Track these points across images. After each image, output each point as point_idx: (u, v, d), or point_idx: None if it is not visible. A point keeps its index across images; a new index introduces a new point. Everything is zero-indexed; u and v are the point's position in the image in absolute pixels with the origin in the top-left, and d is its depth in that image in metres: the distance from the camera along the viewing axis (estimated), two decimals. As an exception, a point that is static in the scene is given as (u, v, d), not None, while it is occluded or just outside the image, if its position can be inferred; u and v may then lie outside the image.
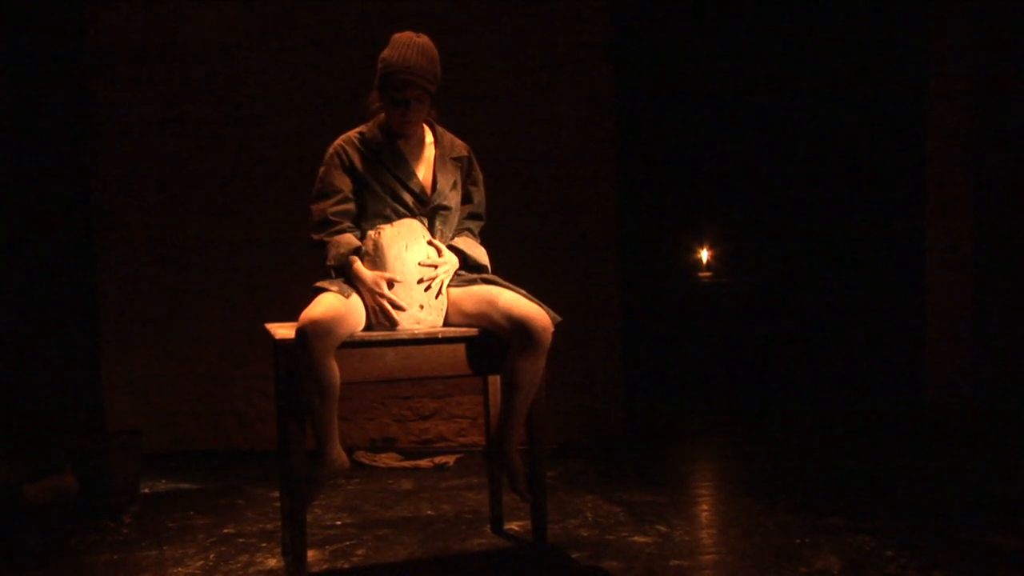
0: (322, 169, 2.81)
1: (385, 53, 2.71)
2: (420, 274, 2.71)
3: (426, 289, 2.70)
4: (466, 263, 2.84)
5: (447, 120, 3.00)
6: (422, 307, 2.72)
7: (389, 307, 2.64)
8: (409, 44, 2.68)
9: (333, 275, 2.72)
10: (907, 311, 5.25)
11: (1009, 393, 4.46)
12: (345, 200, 2.76)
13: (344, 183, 2.76)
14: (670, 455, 4.24)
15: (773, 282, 6.35)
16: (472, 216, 2.96)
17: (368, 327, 2.69)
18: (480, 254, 2.87)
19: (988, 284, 4.50)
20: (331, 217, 2.74)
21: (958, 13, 4.54)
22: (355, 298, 2.64)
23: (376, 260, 2.69)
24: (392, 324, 2.65)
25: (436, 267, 2.73)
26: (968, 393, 4.53)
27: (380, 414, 4.44)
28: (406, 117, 2.72)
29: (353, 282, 2.69)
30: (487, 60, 4.35)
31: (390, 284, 2.65)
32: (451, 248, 2.83)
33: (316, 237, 2.76)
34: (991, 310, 4.50)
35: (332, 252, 2.70)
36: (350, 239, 2.72)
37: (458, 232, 2.91)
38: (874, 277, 5.99)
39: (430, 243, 2.75)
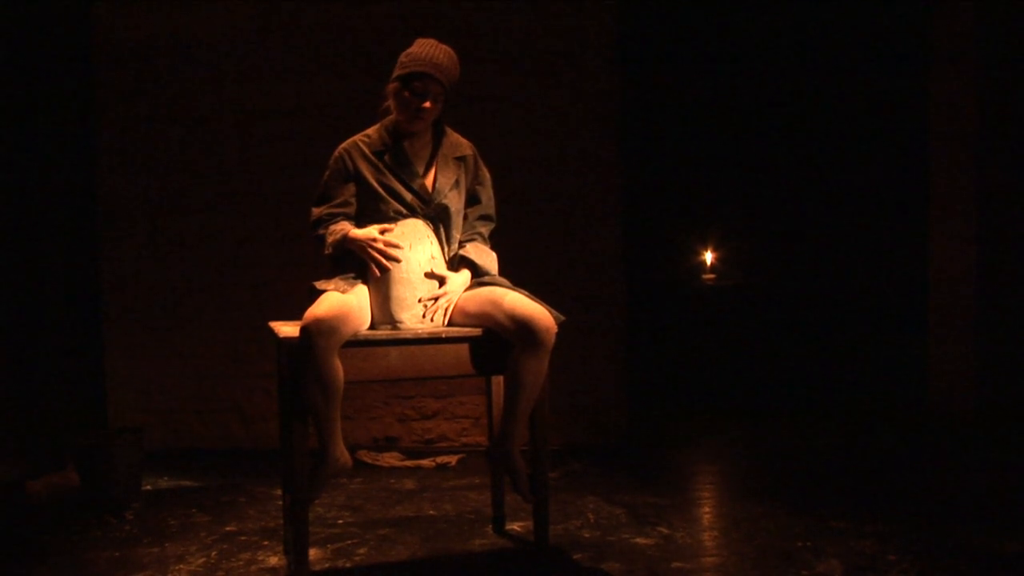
0: (326, 173, 2.86)
1: (411, 49, 2.77)
2: (424, 273, 2.72)
3: (431, 319, 2.72)
4: (476, 271, 2.84)
5: (450, 122, 3.00)
6: (426, 307, 2.73)
7: (384, 247, 2.66)
8: (436, 46, 2.76)
9: (329, 275, 2.75)
10: (910, 313, 5.25)
11: (1012, 395, 4.46)
12: (343, 204, 2.81)
13: (343, 189, 2.81)
14: (672, 457, 4.24)
15: (776, 284, 6.35)
16: (482, 218, 2.96)
17: (372, 326, 2.70)
18: (490, 262, 2.88)
19: (991, 285, 4.50)
20: (325, 216, 2.80)
21: (961, 16, 4.54)
22: (357, 295, 2.64)
23: (380, 259, 2.70)
24: (395, 260, 2.67)
25: (438, 298, 2.75)
26: (971, 395, 4.52)
27: (383, 413, 4.45)
28: (420, 113, 2.74)
29: (351, 258, 2.72)
30: (491, 63, 4.36)
31: (381, 232, 2.69)
32: (462, 258, 2.84)
33: (313, 234, 2.82)
34: (994, 311, 4.50)
35: (329, 240, 2.75)
36: (344, 224, 2.76)
37: (469, 237, 2.91)
38: (877, 279, 5.98)
39: (429, 275, 2.75)
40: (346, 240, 2.71)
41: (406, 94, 2.74)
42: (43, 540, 3.08)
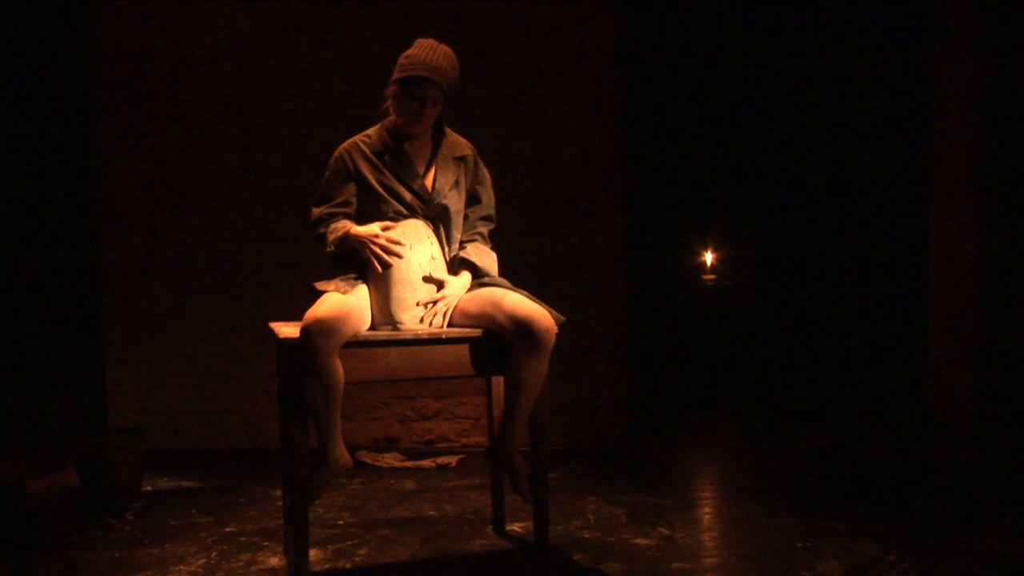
0: (326, 173, 2.86)
1: (410, 51, 2.75)
2: (424, 273, 2.73)
3: (430, 324, 2.72)
4: (476, 273, 2.84)
5: (450, 122, 3.00)
6: (426, 307, 2.73)
7: (387, 244, 2.66)
8: (435, 48, 2.74)
9: (329, 275, 2.75)
10: (910, 313, 5.24)
11: (1012, 396, 4.45)
12: (343, 204, 2.81)
13: (344, 189, 2.81)
14: (672, 457, 4.24)
15: (777, 285, 6.35)
16: (483, 219, 2.96)
17: (372, 327, 2.70)
18: (490, 263, 2.88)
19: (991, 286, 4.50)
20: (325, 216, 2.80)
21: (961, 16, 4.54)
22: (358, 296, 2.65)
23: (380, 260, 2.70)
24: (397, 256, 2.66)
25: (436, 302, 2.74)
26: (971, 396, 4.52)
27: (383, 414, 4.44)
28: (419, 116, 2.74)
29: (352, 257, 2.72)
30: (490, 62, 4.35)
31: (383, 229, 2.70)
32: (462, 260, 2.84)
33: (314, 233, 2.82)
34: (994, 312, 4.50)
35: (331, 238, 2.75)
36: (345, 223, 2.76)
37: (470, 237, 2.91)
38: (877, 279, 5.98)
39: (427, 279, 2.75)
40: (348, 237, 2.71)
41: (405, 98, 2.74)
42: (43, 540, 3.08)
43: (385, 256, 2.67)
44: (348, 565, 2.79)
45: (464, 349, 2.70)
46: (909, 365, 5.21)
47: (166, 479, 3.92)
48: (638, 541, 2.96)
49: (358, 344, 2.60)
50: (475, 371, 2.73)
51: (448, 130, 2.93)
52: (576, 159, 4.39)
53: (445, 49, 2.76)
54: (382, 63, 2.90)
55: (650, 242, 6.12)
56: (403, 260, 2.70)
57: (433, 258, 2.77)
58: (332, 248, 2.74)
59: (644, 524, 3.14)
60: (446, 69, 2.73)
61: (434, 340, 2.68)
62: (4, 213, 4.26)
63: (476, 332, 2.70)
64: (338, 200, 2.81)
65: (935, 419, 4.68)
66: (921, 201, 4.84)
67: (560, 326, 2.66)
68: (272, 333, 2.80)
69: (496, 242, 3.00)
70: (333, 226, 2.76)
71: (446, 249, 2.85)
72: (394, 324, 2.70)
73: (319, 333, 2.44)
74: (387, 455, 4.23)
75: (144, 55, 4.36)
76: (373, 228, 2.70)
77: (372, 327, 2.71)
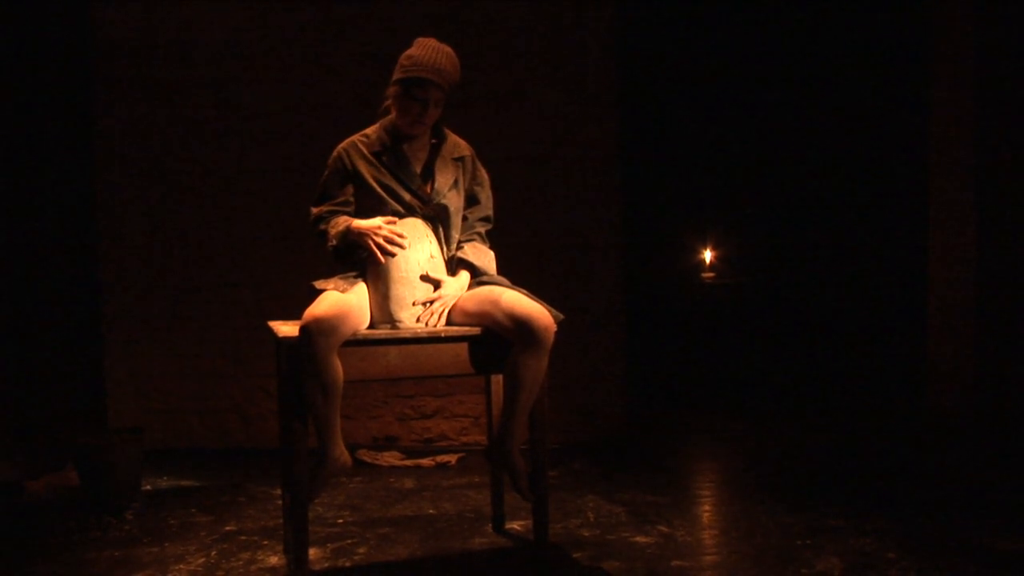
0: (324, 173, 2.86)
1: (411, 51, 2.75)
2: (422, 272, 2.73)
3: (427, 324, 2.72)
4: (475, 272, 2.84)
5: (449, 121, 3.00)
6: (424, 306, 2.73)
7: (390, 235, 2.66)
8: (437, 48, 2.74)
9: (329, 274, 2.75)
10: (909, 312, 5.25)
11: (1011, 394, 4.46)
12: (343, 204, 2.81)
13: (342, 189, 2.82)
14: (672, 455, 4.24)
15: (776, 283, 6.35)
16: (482, 219, 2.96)
17: (371, 325, 2.70)
18: (488, 262, 2.88)
19: (990, 285, 4.50)
20: (325, 214, 2.81)
21: (961, 16, 4.54)
22: (357, 295, 2.65)
23: (379, 259, 2.71)
24: (399, 247, 2.67)
25: (433, 301, 2.74)
26: (970, 394, 4.52)
27: (382, 412, 4.45)
28: (421, 118, 2.74)
29: (353, 254, 2.72)
30: (488, 57, 4.36)
31: (386, 223, 2.70)
32: (459, 260, 2.84)
33: (314, 231, 2.82)
34: (993, 312, 4.50)
35: (332, 232, 2.74)
36: (347, 218, 2.76)
37: (468, 237, 2.91)
38: (877, 278, 5.99)
39: (424, 279, 2.75)
40: (349, 231, 2.70)
41: (407, 99, 2.73)
42: (43, 540, 3.08)
43: (388, 247, 2.66)
44: (348, 564, 2.79)
45: (463, 348, 2.71)
46: (909, 365, 5.21)
47: (166, 479, 3.92)
48: (638, 539, 2.96)
49: (357, 343, 2.60)
50: (474, 370, 2.74)
51: (447, 131, 2.93)
52: (575, 159, 4.39)
53: (446, 49, 2.75)
54: (382, 61, 2.90)
55: (649, 240, 6.13)
56: (402, 259, 2.69)
57: (432, 257, 2.77)
58: (333, 243, 2.73)
59: (644, 522, 3.14)
60: (448, 70, 2.72)
61: (433, 339, 2.68)
62: (3, 212, 4.26)
63: (475, 330, 2.70)
64: (338, 199, 2.81)
65: (935, 419, 4.68)
66: (922, 200, 4.84)
67: (559, 324, 2.66)
68: (272, 332, 2.80)
69: (495, 241, 3.00)
70: (334, 221, 2.76)
71: (444, 249, 2.85)
72: (393, 323, 2.70)
73: (318, 331, 2.44)
74: (386, 454, 4.23)
75: (143, 54, 4.37)
76: (376, 221, 2.70)
77: (371, 326, 2.71)
